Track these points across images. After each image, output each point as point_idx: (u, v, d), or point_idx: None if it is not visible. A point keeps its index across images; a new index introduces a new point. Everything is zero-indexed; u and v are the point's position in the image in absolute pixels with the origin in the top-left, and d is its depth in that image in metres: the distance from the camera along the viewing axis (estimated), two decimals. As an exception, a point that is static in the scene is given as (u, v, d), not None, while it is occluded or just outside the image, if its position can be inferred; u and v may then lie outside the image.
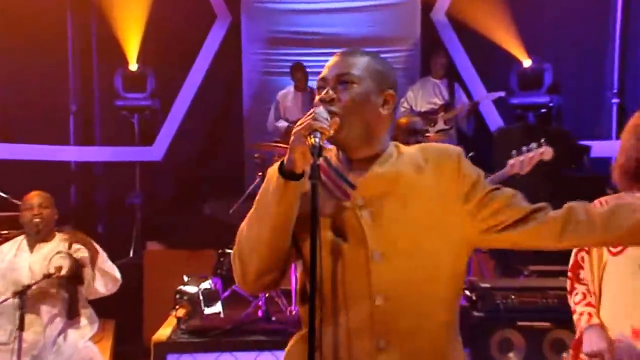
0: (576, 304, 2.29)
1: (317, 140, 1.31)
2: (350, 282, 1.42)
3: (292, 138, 1.35)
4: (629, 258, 2.14)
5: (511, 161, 3.47)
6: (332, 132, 1.36)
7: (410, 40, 6.61)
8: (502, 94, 5.84)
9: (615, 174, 2.23)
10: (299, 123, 1.37)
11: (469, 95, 6.10)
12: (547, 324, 3.73)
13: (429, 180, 1.48)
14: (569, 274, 2.35)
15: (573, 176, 4.83)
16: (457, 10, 6.39)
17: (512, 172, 3.48)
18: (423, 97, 5.90)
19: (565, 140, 5.13)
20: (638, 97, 5.59)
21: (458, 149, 1.57)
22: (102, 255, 3.69)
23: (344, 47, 1.57)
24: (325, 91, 1.45)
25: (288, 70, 5.99)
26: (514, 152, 3.43)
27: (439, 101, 5.81)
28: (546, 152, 3.42)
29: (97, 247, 3.71)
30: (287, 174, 1.34)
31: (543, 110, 5.93)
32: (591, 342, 2.17)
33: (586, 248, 2.28)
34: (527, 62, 6.09)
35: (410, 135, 3.82)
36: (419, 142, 3.39)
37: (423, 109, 5.80)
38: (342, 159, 1.51)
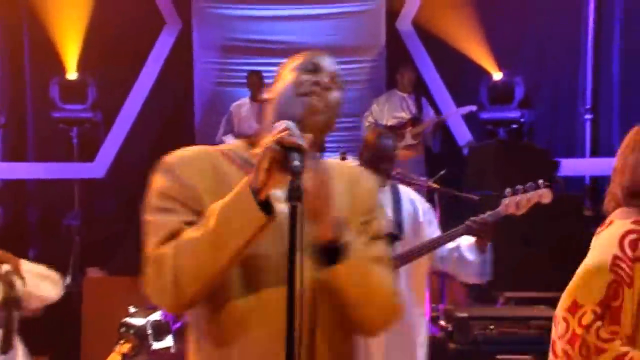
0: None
1: (296, 162, 1.28)
2: None
3: (261, 155, 1.32)
4: None
5: (506, 201, 3.32)
6: (307, 149, 1.33)
7: (374, 50, 6.60)
8: (473, 108, 5.80)
9: (615, 196, 2.17)
10: (268, 139, 1.34)
11: (437, 109, 6.06)
12: (528, 357, 3.70)
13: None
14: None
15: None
16: (424, 20, 6.36)
17: (507, 212, 3.35)
18: (389, 110, 5.85)
19: (538, 157, 5.19)
20: (611, 114, 5.57)
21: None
22: (26, 262, 3.46)
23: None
24: (321, 77, 1.51)
25: (243, 80, 5.84)
26: (508, 190, 3.32)
27: (405, 115, 5.74)
28: (545, 195, 3.29)
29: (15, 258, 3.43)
30: (263, 205, 1.31)
31: (514, 126, 5.90)
32: None
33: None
34: (497, 75, 6.06)
35: (378, 151, 3.62)
36: (386, 158, 3.49)
37: (389, 123, 5.72)
38: None
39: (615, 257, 2.00)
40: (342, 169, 1.69)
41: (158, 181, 1.49)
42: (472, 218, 3.38)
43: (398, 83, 5.95)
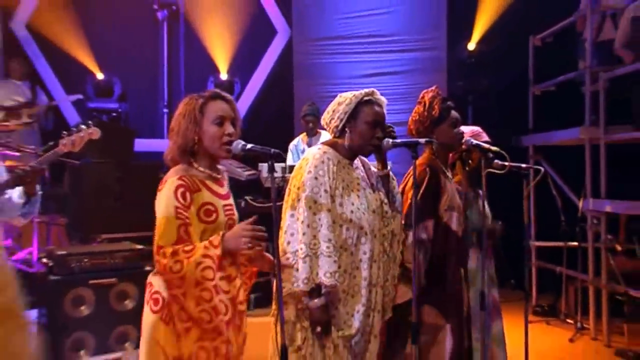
0: None
1: None
2: None
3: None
4: None
5: (63, 141, 3.45)
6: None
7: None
8: (79, 96, 6.84)
9: (170, 155, 2.50)
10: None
11: (49, 95, 6.98)
12: (113, 280, 4.22)
13: None
14: None
15: (138, 163, 5.87)
16: (37, 25, 7.21)
17: (64, 150, 3.50)
18: (6, 94, 6.41)
19: (127, 136, 6.13)
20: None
21: None
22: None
23: None
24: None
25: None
26: (64, 132, 3.46)
27: (21, 99, 6.40)
28: (94, 132, 3.52)
29: None
30: None
31: (114, 114, 7.18)
32: None
33: None
34: (100, 75, 7.40)
35: None
36: None
37: (6, 104, 6.28)
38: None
39: (177, 207, 2.32)
40: None
41: None
42: (16, 170, 3.33)
43: (10, 72, 6.68)
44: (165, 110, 7.34)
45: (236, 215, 2.57)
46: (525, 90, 6.76)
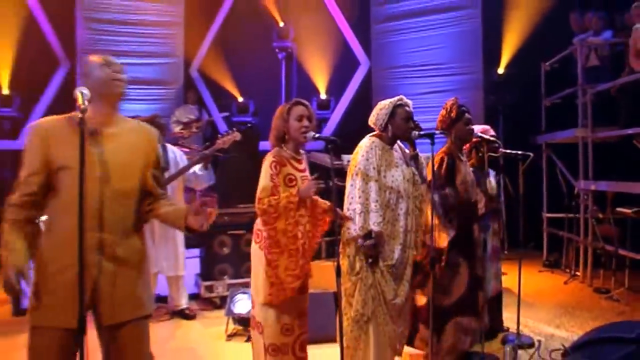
0: None
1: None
2: None
3: None
4: None
5: (219, 141, 4.27)
6: None
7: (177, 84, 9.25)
8: (227, 114, 8.79)
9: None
10: None
11: (209, 114, 8.83)
12: (242, 231, 5.08)
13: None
14: None
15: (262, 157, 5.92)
16: (203, 68, 9.27)
17: (219, 147, 4.31)
18: (184, 114, 8.25)
19: (255, 139, 6.99)
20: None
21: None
22: None
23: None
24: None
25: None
26: (219, 135, 4.30)
27: (192, 117, 8.26)
28: (237, 135, 4.37)
29: None
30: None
31: (249, 125, 8.20)
32: None
33: None
34: (240, 99, 9.10)
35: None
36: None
37: (184, 120, 8.20)
38: None
39: (271, 174, 2.81)
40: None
41: None
42: (200, 152, 4.21)
43: (188, 100, 8.61)
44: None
45: None
46: (539, 102, 7.61)
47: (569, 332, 4.50)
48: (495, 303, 4.19)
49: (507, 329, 4.28)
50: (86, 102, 1.91)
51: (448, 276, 3.44)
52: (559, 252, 7.16)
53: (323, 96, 9.34)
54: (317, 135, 2.88)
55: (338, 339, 2.68)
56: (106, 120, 2.15)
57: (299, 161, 3.00)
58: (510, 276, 6.17)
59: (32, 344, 2.06)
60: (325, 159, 5.91)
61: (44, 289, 2.06)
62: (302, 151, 3.04)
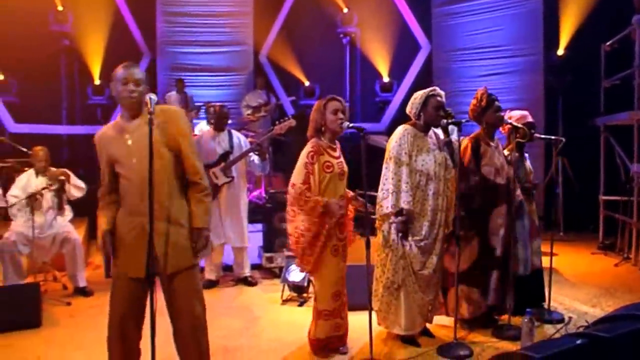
0: None
1: None
2: None
3: None
4: None
5: (277, 128, 4.60)
6: None
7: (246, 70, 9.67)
8: (294, 98, 9.09)
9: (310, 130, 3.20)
10: None
11: (277, 98, 9.08)
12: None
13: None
14: None
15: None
16: (272, 54, 9.56)
17: (276, 133, 4.72)
18: (254, 98, 8.42)
19: None
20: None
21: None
22: (72, 176, 4.85)
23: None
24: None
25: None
26: (277, 122, 4.64)
27: (261, 101, 8.45)
28: (292, 122, 4.66)
29: (69, 172, 4.91)
30: None
31: None
32: None
33: None
34: (307, 83, 9.33)
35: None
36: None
37: (253, 104, 8.48)
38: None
39: (306, 163, 3.13)
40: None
41: None
42: (256, 142, 4.56)
43: (257, 85, 8.80)
44: (347, 104, 8.81)
45: (345, 167, 3.34)
46: (598, 84, 7.43)
47: (604, 311, 4.48)
48: (534, 279, 4.27)
49: (542, 305, 4.33)
50: (154, 106, 2.47)
51: (459, 247, 3.63)
52: (616, 235, 7.07)
53: (386, 79, 9.56)
54: (350, 124, 3.20)
55: (369, 303, 3.05)
56: (130, 118, 2.65)
57: (334, 149, 3.33)
58: (560, 257, 6.39)
59: (112, 290, 2.66)
60: (382, 141, 5.89)
61: (119, 247, 2.64)
62: (337, 142, 3.39)
